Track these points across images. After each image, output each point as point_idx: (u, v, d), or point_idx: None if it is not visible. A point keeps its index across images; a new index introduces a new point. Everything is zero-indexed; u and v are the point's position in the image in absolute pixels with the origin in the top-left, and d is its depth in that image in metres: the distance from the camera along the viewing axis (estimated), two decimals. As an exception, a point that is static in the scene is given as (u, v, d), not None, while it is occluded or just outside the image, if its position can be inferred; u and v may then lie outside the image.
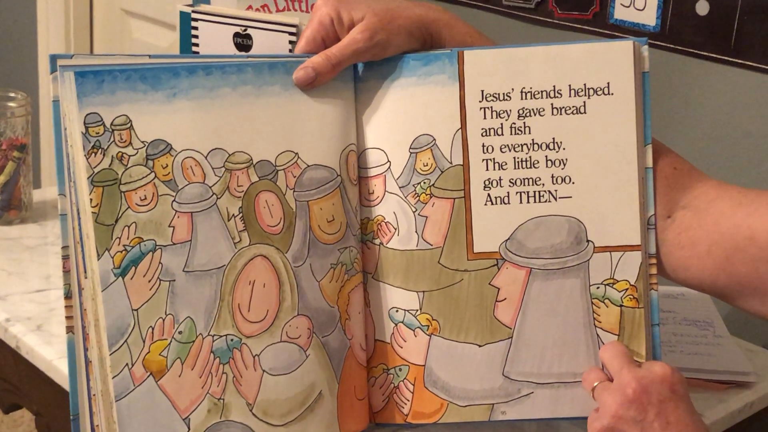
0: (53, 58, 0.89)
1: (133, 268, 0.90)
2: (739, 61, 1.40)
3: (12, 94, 1.47)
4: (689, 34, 1.44)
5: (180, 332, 0.91)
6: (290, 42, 1.17)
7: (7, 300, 1.24)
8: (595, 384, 0.94)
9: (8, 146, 1.45)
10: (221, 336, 0.93)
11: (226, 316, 0.93)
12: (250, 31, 1.18)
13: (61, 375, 1.10)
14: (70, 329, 0.93)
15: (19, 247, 1.39)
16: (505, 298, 0.99)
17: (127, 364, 0.89)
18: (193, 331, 0.92)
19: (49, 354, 1.13)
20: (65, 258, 0.92)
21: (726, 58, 1.41)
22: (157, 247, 0.91)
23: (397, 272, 1.00)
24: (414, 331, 1.00)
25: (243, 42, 1.19)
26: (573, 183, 0.98)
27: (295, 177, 0.96)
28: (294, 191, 0.96)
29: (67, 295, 0.93)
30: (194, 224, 0.92)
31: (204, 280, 0.92)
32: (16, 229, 1.45)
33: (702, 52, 1.44)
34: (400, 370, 1.01)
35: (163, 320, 0.91)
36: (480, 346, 0.99)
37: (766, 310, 0.92)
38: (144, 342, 0.90)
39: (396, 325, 1.00)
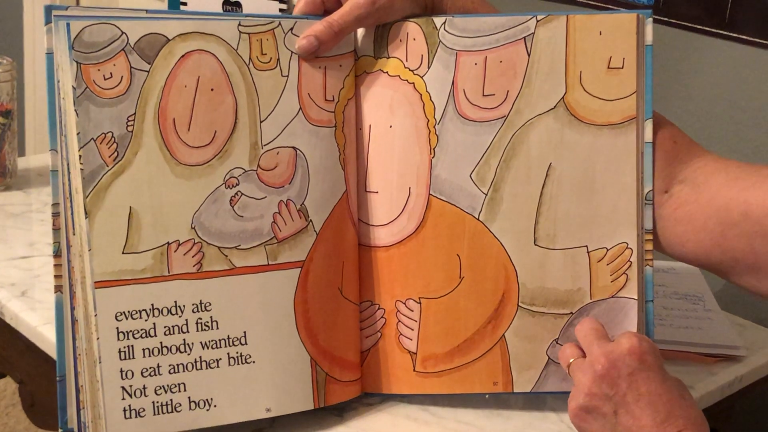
0: (48, 9, 0.88)
1: None
2: (734, 35, 1.39)
3: (-3, 59, 1.45)
4: (684, 8, 1.43)
5: None
6: (280, 10, 1.15)
7: (-10, 266, 1.22)
8: (570, 360, 0.93)
9: (-7, 112, 1.43)
10: None
11: None
12: (240, -3, 1.16)
13: (46, 341, 1.09)
14: (58, 288, 0.91)
15: (3, 214, 1.37)
16: None
17: None
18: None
19: (34, 320, 1.11)
20: (56, 215, 0.91)
21: (720, 32, 1.40)
22: None
23: None
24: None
25: (232, 9, 1.18)
26: None
27: None
28: None
29: (57, 254, 0.91)
30: None
31: None
32: (0, 196, 1.43)
33: (697, 26, 1.43)
34: None
35: None
36: None
37: (762, 287, 0.92)
38: None
39: None
